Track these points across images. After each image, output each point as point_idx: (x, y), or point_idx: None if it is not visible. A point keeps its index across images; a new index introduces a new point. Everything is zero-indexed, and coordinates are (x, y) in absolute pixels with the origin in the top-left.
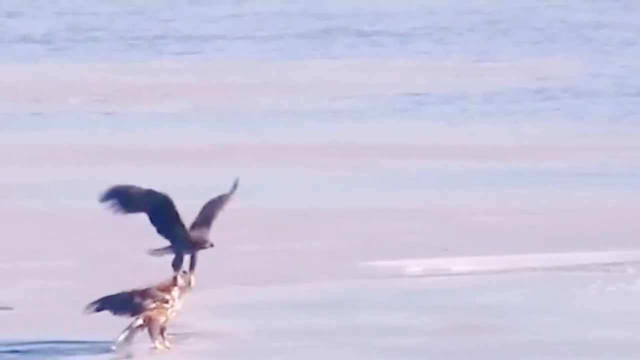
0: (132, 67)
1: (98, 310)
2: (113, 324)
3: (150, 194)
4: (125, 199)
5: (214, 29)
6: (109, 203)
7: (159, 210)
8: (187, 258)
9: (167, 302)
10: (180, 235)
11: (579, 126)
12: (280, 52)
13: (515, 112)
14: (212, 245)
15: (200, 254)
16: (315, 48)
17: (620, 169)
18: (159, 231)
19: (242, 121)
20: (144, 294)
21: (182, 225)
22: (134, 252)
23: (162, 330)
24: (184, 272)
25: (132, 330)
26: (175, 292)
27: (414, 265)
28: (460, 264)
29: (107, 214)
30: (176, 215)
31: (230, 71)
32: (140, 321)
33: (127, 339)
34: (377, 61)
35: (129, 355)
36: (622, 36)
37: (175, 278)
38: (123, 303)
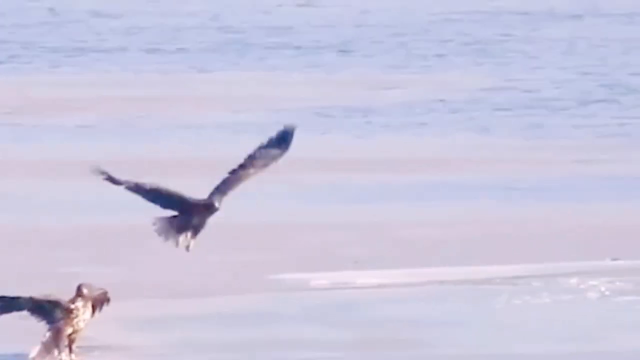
0: (36, 79)
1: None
2: (22, 336)
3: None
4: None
5: (117, 41)
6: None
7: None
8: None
9: (71, 311)
10: (188, 203)
11: (486, 139)
12: (183, 64)
13: (421, 125)
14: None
15: (106, 269)
16: (218, 61)
17: (527, 183)
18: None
19: (146, 134)
20: (51, 300)
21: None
22: (54, 265)
23: (70, 343)
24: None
25: (46, 345)
26: (79, 302)
27: (323, 278)
28: (370, 277)
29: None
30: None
31: (134, 84)
32: (49, 334)
33: (42, 355)
34: (282, 74)
35: None
36: (526, 49)
37: (79, 288)
38: (32, 307)
